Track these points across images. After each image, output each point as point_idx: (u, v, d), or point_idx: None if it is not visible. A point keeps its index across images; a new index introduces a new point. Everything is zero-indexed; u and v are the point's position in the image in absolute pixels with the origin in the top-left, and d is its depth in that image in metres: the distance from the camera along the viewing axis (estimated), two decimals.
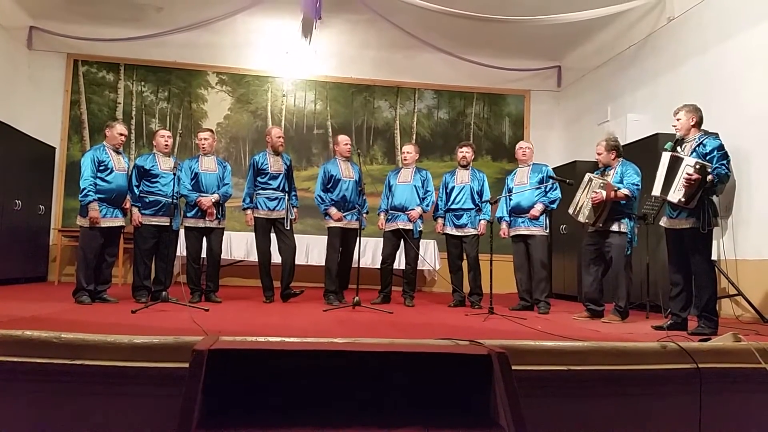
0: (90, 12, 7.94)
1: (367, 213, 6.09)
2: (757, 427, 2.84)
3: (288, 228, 5.83)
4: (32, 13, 8.11)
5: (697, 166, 3.96)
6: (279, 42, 8.58)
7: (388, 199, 6.15)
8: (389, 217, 6.11)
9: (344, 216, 5.91)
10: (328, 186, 5.98)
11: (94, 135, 8.35)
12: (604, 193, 4.81)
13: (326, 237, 6.05)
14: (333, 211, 5.89)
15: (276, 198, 5.84)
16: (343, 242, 6.00)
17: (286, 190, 5.92)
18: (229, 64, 8.83)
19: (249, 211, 5.81)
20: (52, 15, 8.06)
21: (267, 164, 5.86)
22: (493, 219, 5.85)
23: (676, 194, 4.06)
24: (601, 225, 4.95)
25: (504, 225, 5.92)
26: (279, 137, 5.96)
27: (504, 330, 4.11)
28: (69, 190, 8.22)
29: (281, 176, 5.89)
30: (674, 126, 4.34)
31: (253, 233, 7.19)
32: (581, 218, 5.02)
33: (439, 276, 8.11)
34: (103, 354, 2.46)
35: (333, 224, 5.93)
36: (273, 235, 5.93)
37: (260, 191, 5.84)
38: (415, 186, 6.06)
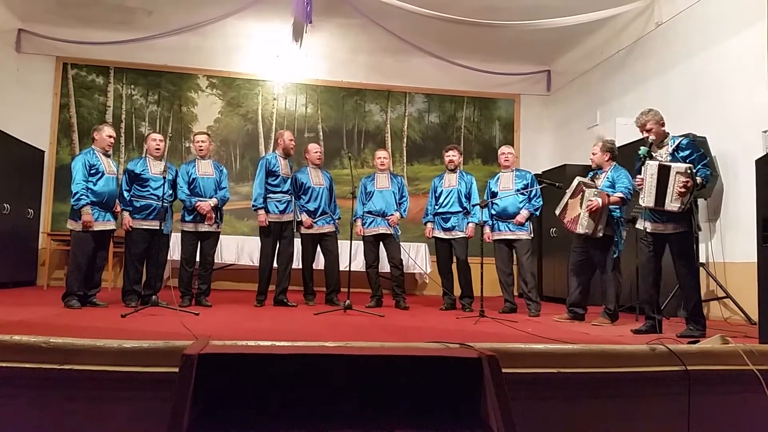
0: (79, 15, 7.90)
1: (339, 218, 6.22)
2: (744, 428, 2.86)
3: (294, 232, 5.92)
4: (21, 16, 8.06)
5: (688, 171, 3.96)
6: (270, 46, 8.57)
7: (364, 205, 6.18)
8: (368, 222, 6.13)
9: (315, 222, 6.01)
10: (300, 194, 6.09)
11: (83, 138, 8.30)
12: (599, 200, 4.79)
13: None
14: (304, 217, 6.01)
15: (286, 201, 5.88)
16: (321, 248, 6.16)
17: (293, 193, 5.98)
18: (220, 67, 8.82)
19: (262, 211, 5.80)
20: (41, 18, 8.01)
21: (279, 167, 5.90)
22: (482, 222, 5.88)
23: (674, 203, 4.03)
24: (600, 234, 4.91)
25: (487, 229, 5.93)
26: (291, 140, 6.06)
27: (494, 333, 4.12)
28: (58, 194, 8.18)
29: (290, 180, 5.96)
30: (648, 137, 4.30)
31: (244, 237, 7.22)
32: (580, 230, 4.89)
33: (430, 279, 8.12)
34: (93, 358, 2.44)
35: (305, 231, 6.05)
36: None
37: (270, 194, 5.86)
38: (393, 192, 6.13)
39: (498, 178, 6.02)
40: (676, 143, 4.24)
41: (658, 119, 4.28)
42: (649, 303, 4.37)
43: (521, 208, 5.76)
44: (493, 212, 5.90)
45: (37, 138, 8.07)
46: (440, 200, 6.10)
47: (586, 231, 4.90)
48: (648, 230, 4.31)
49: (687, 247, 4.15)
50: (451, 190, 6.06)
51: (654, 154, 4.29)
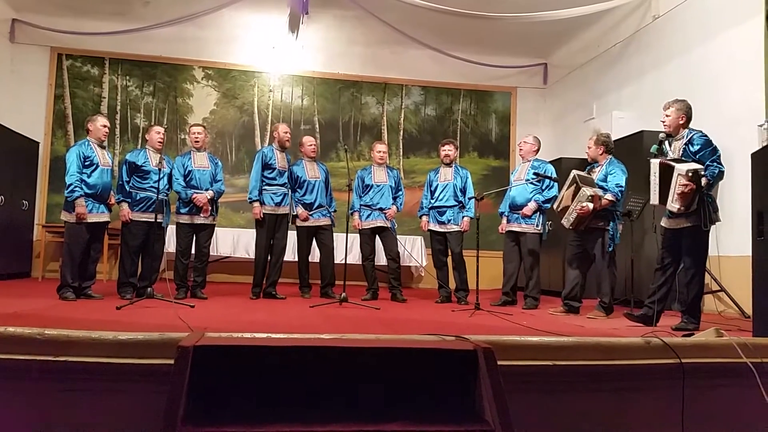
0: (74, 5, 7.85)
1: (335, 211, 6.23)
2: (738, 421, 2.88)
3: (288, 225, 5.93)
4: (15, 6, 8.00)
5: (689, 174, 3.93)
6: (266, 37, 8.54)
7: (360, 198, 6.17)
8: (365, 215, 6.12)
9: (311, 215, 6.01)
10: (296, 187, 6.08)
11: (78, 130, 8.25)
12: (591, 206, 4.81)
13: None
14: (299, 210, 6.01)
15: (282, 194, 5.88)
16: (317, 241, 6.15)
17: (290, 186, 5.98)
18: (216, 58, 8.78)
19: (257, 204, 5.81)
20: (35, 8, 7.95)
21: (275, 160, 5.91)
22: (478, 215, 5.88)
23: (674, 204, 4.04)
24: (583, 228, 4.98)
25: (504, 220, 5.95)
26: (286, 132, 6.05)
27: (490, 325, 4.14)
28: (53, 186, 8.14)
29: (286, 173, 5.96)
30: (663, 121, 4.31)
31: (239, 229, 7.19)
32: (566, 223, 5.05)
33: (426, 272, 8.13)
34: (88, 350, 2.43)
35: (300, 224, 6.05)
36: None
37: (266, 187, 5.87)
38: (390, 186, 6.14)
39: (517, 169, 6.06)
40: (688, 137, 4.20)
41: (681, 112, 4.23)
42: (655, 292, 4.35)
43: (530, 200, 5.73)
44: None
45: (32, 129, 8.02)
46: (436, 194, 6.11)
47: (571, 227, 5.04)
48: (664, 225, 4.32)
49: (697, 241, 4.13)
50: (447, 184, 6.06)
51: (668, 148, 4.29)
